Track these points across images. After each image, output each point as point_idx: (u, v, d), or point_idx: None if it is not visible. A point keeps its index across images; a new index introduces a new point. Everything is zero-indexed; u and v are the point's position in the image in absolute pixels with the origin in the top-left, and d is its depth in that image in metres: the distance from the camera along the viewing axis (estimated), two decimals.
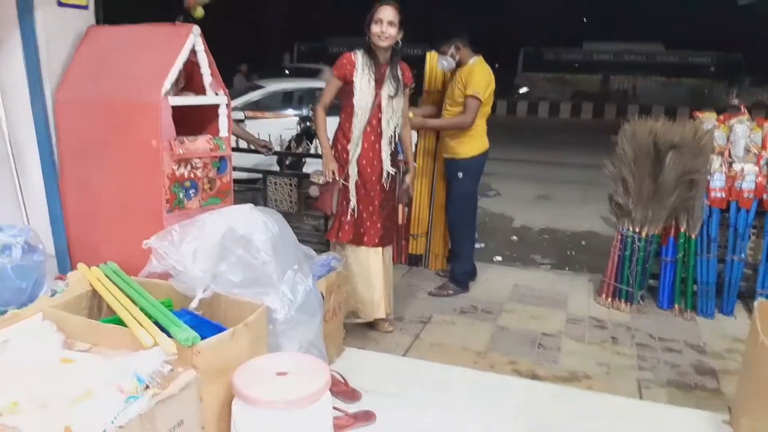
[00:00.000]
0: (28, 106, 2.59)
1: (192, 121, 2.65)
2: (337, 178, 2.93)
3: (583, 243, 5.26)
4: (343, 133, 2.97)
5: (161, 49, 2.54)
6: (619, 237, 3.64)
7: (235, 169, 2.84)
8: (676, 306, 3.56)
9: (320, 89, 7.98)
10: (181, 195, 2.49)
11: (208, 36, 2.57)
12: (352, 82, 2.88)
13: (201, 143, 2.56)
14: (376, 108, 2.91)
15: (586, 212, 6.12)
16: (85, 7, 2.74)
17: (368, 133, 2.93)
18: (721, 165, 3.54)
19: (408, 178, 3.14)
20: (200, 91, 2.64)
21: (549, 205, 6.77)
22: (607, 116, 18.72)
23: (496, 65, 3.61)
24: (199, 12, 3.07)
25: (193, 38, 2.52)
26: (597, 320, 3.44)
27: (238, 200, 2.72)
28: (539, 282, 4.05)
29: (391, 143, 2.99)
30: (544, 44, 22.85)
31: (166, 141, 2.42)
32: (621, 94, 21.89)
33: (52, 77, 2.63)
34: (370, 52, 2.88)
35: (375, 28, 2.82)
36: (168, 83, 2.43)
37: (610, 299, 3.64)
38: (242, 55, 13.63)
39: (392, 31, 2.82)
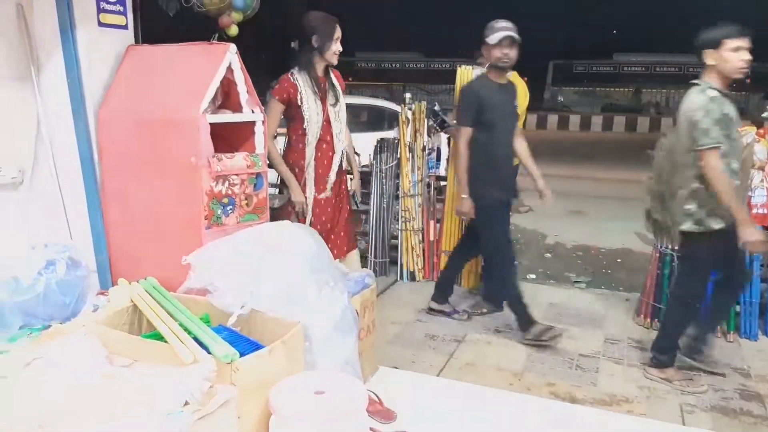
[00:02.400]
0: (71, 125, 2.65)
1: (229, 138, 2.68)
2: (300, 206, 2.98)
3: (619, 260, 5.15)
4: (296, 155, 2.96)
5: (199, 68, 2.58)
6: (657, 255, 3.55)
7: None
8: (719, 327, 3.45)
9: (349, 105, 8.05)
10: (219, 211, 2.52)
11: (241, 54, 2.60)
12: (298, 104, 2.89)
13: (238, 160, 2.58)
14: (326, 123, 2.94)
15: (619, 228, 6.00)
16: (125, 27, 2.81)
17: (325, 150, 2.97)
18: (762, 180, 3.44)
19: (353, 184, 3.15)
20: (237, 108, 2.68)
21: (582, 221, 6.67)
22: (640, 129, 18.44)
23: (525, 78, 3.59)
24: (234, 30, 3.13)
25: (230, 56, 2.56)
26: (636, 341, 3.36)
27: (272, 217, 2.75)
28: (575, 301, 3.98)
29: (343, 156, 3.04)
30: (574, 56, 22.65)
31: (204, 158, 2.45)
32: (653, 106, 21.53)
33: (94, 96, 2.69)
34: (310, 69, 2.90)
35: (336, 47, 2.89)
36: (206, 101, 2.47)
37: (648, 319, 3.54)
38: (274, 71, 13.80)
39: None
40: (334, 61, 2.91)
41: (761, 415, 2.62)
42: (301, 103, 2.89)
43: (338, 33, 2.88)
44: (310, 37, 2.88)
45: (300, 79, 2.91)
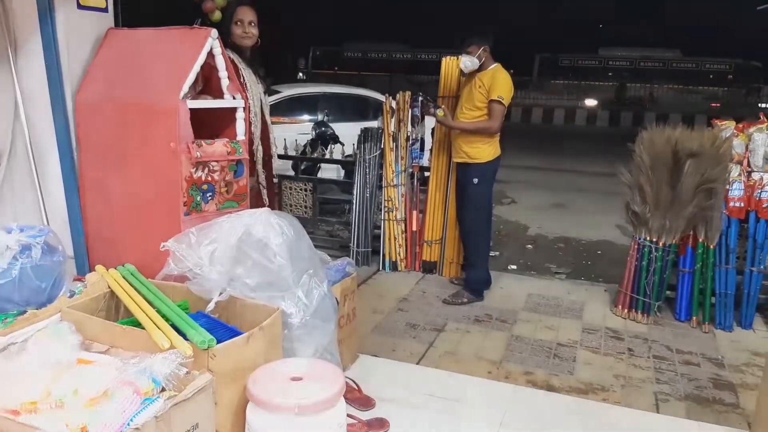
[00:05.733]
0: (49, 108, 2.61)
1: (209, 125, 2.65)
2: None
3: (599, 252, 5.21)
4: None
5: (180, 52, 2.55)
6: (636, 246, 3.60)
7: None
8: (694, 318, 3.51)
9: (336, 94, 8.02)
10: (199, 198, 2.50)
11: (225, 40, 2.57)
12: (241, 82, 2.77)
13: (218, 146, 2.56)
14: (265, 107, 2.93)
15: (601, 221, 6.07)
16: (105, 10, 2.76)
17: (266, 133, 2.93)
18: (739, 174, 3.50)
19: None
20: (218, 94, 2.65)
21: (564, 214, 6.72)
22: (624, 124, 18.61)
23: (511, 71, 3.59)
24: (217, 16, 3.09)
25: (211, 41, 2.53)
26: (613, 331, 3.40)
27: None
28: (554, 291, 4.02)
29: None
30: (560, 50, 22.76)
31: (184, 144, 2.42)
32: (637, 101, 21.73)
33: (73, 79, 2.65)
34: (239, 52, 2.83)
35: (237, 29, 2.81)
36: (186, 86, 2.44)
37: (626, 310, 3.59)
38: (258, 59, 13.69)
39: (255, 31, 2.84)
40: (243, 42, 2.83)
41: (733, 403, 2.68)
42: (242, 77, 2.79)
43: (240, 15, 2.81)
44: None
45: (237, 59, 2.81)
